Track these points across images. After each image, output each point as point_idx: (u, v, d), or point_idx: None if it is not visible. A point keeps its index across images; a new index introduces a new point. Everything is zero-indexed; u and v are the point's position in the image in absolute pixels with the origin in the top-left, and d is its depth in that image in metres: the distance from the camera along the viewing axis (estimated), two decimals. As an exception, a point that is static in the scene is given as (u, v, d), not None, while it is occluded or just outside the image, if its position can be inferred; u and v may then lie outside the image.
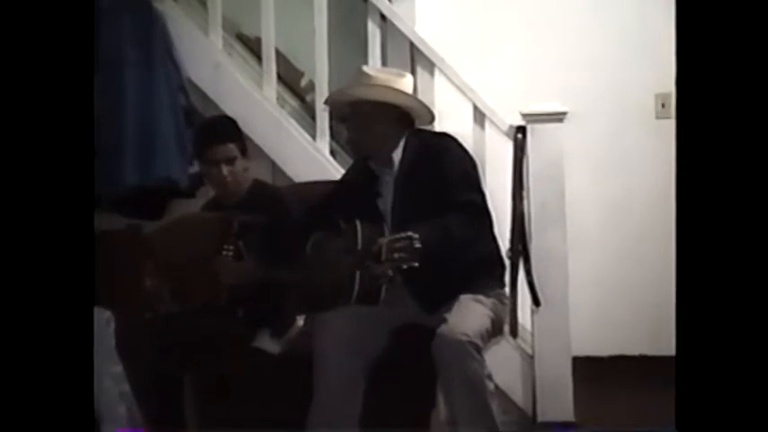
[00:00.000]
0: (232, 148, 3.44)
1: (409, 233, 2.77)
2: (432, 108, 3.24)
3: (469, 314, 2.91)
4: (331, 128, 4.06)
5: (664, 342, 4.62)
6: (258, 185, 3.54)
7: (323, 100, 3.96)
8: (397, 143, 3.08)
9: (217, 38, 4.13)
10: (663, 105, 4.74)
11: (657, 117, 4.74)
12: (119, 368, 2.81)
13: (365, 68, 3.14)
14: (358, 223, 3.04)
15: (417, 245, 2.75)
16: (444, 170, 2.97)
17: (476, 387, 2.81)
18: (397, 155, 3.08)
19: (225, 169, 3.41)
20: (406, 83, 3.12)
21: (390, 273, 2.89)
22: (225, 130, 3.50)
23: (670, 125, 4.85)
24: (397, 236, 2.80)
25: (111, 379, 2.77)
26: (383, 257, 2.79)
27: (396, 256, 2.77)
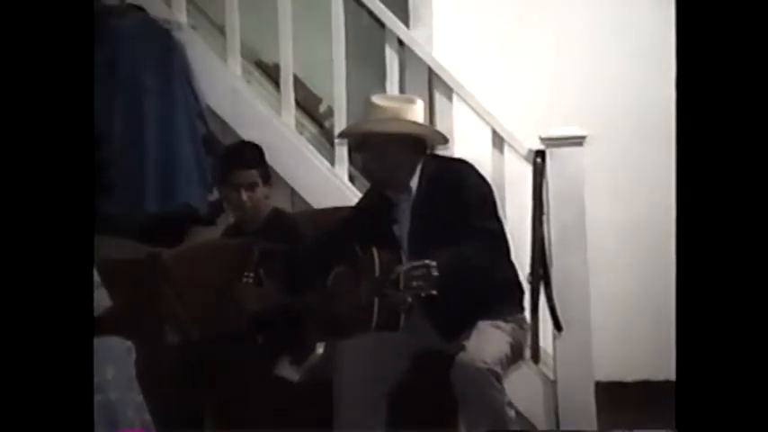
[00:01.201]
0: (254, 174, 3.47)
1: (427, 261, 2.77)
2: (444, 133, 3.24)
3: (488, 341, 2.89)
4: (349, 154, 4.06)
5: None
6: (277, 213, 3.55)
7: (341, 126, 3.99)
8: (414, 170, 3.08)
9: (235, 65, 4.14)
10: (683, 126, 4.70)
11: (678, 138, 4.70)
12: (140, 398, 2.81)
13: (374, 99, 3.12)
14: (375, 250, 3.04)
15: (435, 273, 2.75)
16: (461, 197, 2.97)
17: (496, 415, 2.79)
18: (413, 182, 3.07)
19: (245, 194, 3.43)
20: (416, 109, 3.12)
21: (409, 300, 2.88)
22: (249, 156, 3.53)
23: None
24: (415, 264, 2.80)
25: (132, 408, 2.77)
26: (401, 285, 2.80)
27: (414, 284, 2.77)
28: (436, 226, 2.97)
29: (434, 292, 2.78)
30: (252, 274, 3.19)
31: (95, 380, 2.63)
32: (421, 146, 3.11)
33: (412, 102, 3.14)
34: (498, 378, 2.79)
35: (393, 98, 3.37)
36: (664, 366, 4.59)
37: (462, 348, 2.82)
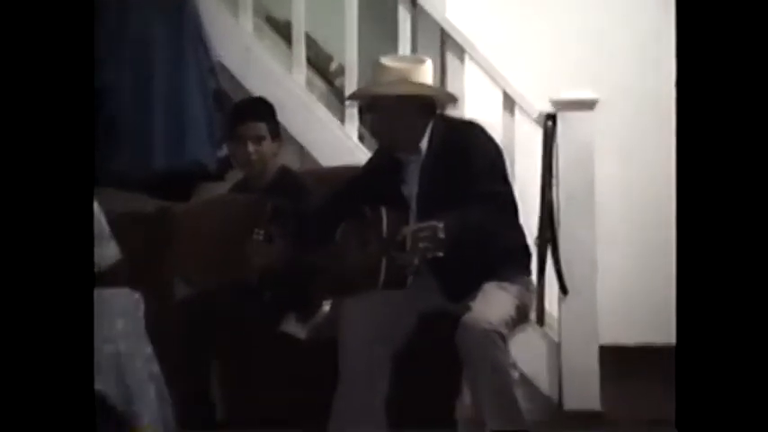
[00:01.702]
0: (262, 127, 3.47)
1: (434, 223, 2.77)
2: (454, 93, 3.23)
3: (494, 302, 2.90)
4: (360, 113, 4.05)
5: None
6: (284, 171, 3.56)
7: (353, 85, 3.98)
8: (424, 131, 3.07)
9: (247, 21, 4.13)
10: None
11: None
12: (149, 349, 2.83)
13: (383, 60, 3.09)
14: (383, 210, 3.04)
15: (441, 235, 2.75)
16: (470, 160, 2.96)
17: (500, 375, 2.80)
18: (423, 143, 3.07)
19: (251, 147, 3.44)
20: (425, 69, 3.09)
21: (416, 261, 2.89)
22: (257, 109, 3.54)
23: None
24: (422, 225, 2.80)
25: (141, 359, 2.79)
26: (408, 247, 2.80)
27: (420, 245, 2.78)
28: (445, 187, 2.97)
29: (441, 254, 2.79)
30: (263, 231, 3.20)
31: (105, 331, 2.67)
32: (431, 107, 3.10)
33: (421, 62, 3.12)
34: (503, 339, 2.81)
35: (402, 59, 3.35)
36: (665, 330, 4.64)
37: (468, 309, 2.83)
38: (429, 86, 3.12)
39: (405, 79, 3.04)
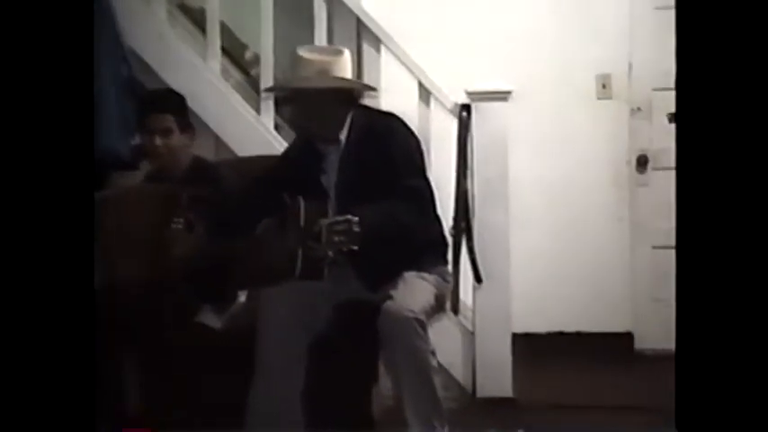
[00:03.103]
0: (169, 119, 3.42)
1: (348, 216, 2.78)
2: (372, 84, 3.23)
3: (414, 291, 2.92)
4: (276, 103, 4.03)
5: (599, 319, 4.76)
6: (198, 161, 3.52)
7: (268, 74, 3.95)
8: (343, 122, 3.07)
9: (159, 8, 4.06)
10: (603, 86, 4.80)
11: (599, 98, 4.80)
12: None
13: (301, 52, 3.06)
14: (301, 200, 3.03)
15: (356, 228, 2.77)
16: (389, 152, 2.97)
17: (420, 363, 2.83)
18: (343, 134, 3.07)
19: (159, 140, 3.40)
20: (343, 61, 3.08)
21: (330, 254, 2.90)
22: (164, 101, 3.49)
23: (610, 105, 4.99)
24: (338, 218, 2.82)
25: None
26: (323, 239, 2.80)
27: (335, 239, 2.79)
28: (364, 179, 2.97)
29: (355, 248, 2.80)
30: (182, 220, 3.16)
31: None
32: (350, 98, 3.09)
33: (339, 53, 3.11)
34: (423, 327, 2.83)
35: (320, 50, 3.33)
36: (576, 318, 4.76)
37: (389, 297, 2.85)
38: (348, 79, 3.11)
39: (323, 71, 3.02)
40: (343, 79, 3.06)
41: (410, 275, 2.97)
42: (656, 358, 4.63)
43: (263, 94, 3.93)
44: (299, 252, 3.01)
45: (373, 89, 3.27)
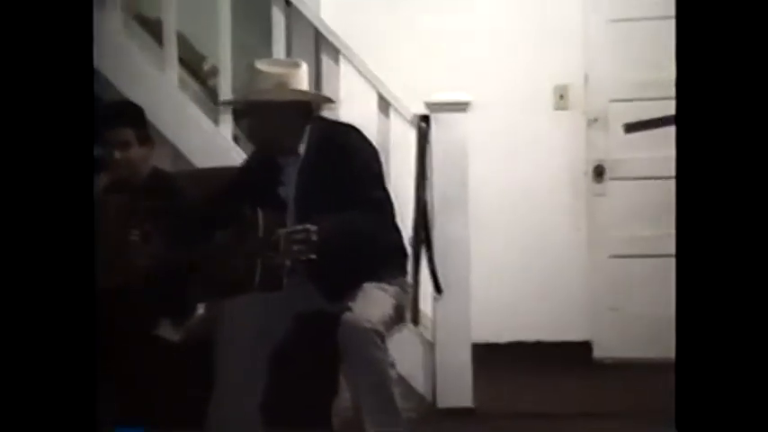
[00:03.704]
0: (127, 132, 3.40)
1: (307, 226, 2.79)
2: (330, 96, 3.24)
3: (373, 302, 2.92)
4: (234, 115, 4.02)
5: (558, 329, 4.79)
6: (156, 172, 3.49)
7: (227, 85, 3.94)
8: (301, 135, 3.07)
9: (115, 18, 4.02)
10: (561, 97, 4.84)
11: (556, 108, 4.84)
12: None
13: (258, 65, 3.06)
14: (259, 211, 3.03)
15: (314, 237, 2.78)
16: (348, 164, 2.98)
17: (379, 375, 2.82)
18: (301, 146, 3.07)
19: (117, 153, 3.37)
20: (301, 73, 3.08)
21: (288, 263, 2.89)
22: (122, 114, 3.46)
23: (567, 116, 5.03)
24: (295, 228, 2.82)
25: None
26: (281, 248, 2.81)
27: (294, 248, 2.79)
28: (323, 190, 2.97)
29: (313, 257, 2.80)
30: (138, 231, 3.14)
31: None
32: (307, 110, 3.09)
33: (297, 66, 3.11)
34: (382, 338, 2.83)
35: (277, 63, 3.32)
36: (535, 328, 4.79)
37: (348, 309, 2.85)
38: (305, 92, 3.11)
39: (281, 84, 3.02)
40: (300, 91, 3.06)
41: (369, 286, 2.97)
42: (614, 366, 4.68)
43: (223, 100, 3.92)
44: (258, 263, 3.01)
45: (331, 101, 3.29)
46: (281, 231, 2.85)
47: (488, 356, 4.23)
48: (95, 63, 3.85)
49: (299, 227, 2.81)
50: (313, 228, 2.78)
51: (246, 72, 3.12)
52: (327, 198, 2.93)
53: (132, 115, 3.47)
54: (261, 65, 3.06)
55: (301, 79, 3.08)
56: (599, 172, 4.79)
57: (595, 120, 4.78)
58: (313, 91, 3.31)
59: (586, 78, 4.79)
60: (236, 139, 4.08)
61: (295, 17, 4.12)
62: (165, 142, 3.89)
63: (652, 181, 4.52)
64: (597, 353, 4.78)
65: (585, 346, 4.78)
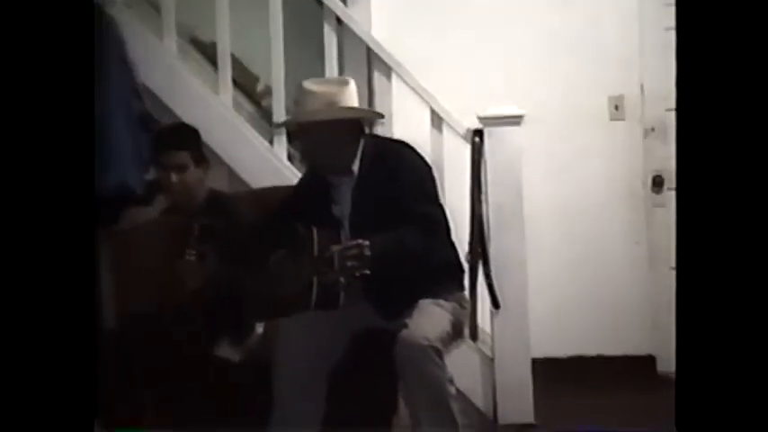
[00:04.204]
0: (184, 155, 3.43)
1: (360, 241, 2.79)
2: (380, 112, 3.25)
3: (430, 319, 2.91)
4: (288, 135, 4.04)
5: (620, 342, 4.72)
6: (214, 194, 3.53)
7: (280, 105, 3.97)
8: (354, 153, 3.07)
9: (171, 42, 4.08)
10: (616, 107, 4.79)
11: (611, 119, 4.79)
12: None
13: (306, 85, 3.08)
14: (314, 230, 3.04)
15: (367, 252, 2.77)
16: (401, 181, 2.98)
17: (437, 391, 2.81)
18: (355, 165, 3.07)
19: (174, 176, 3.41)
20: (350, 91, 3.09)
21: (342, 280, 2.89)
22: (178, 138, 3.50)
23: (623, 127, 4.97)
24: (349, 244, 2.83)
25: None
26: (335, 266, 2.81)
27: (348, 264, 2.79)
28: (377, 208, 2.98)
29: (368, 272, 2.80)
30: (194, 252, 3.17)
31: None
32: (358, 128, 3.10)
33: (345, 84, 3.11)
34: (440, 355, 2.82)
35: (325, 82, 3.31)
36: (596, 342, 4.72)
37: (404, 326, 2.84)
38: (354, 109, 3.12)
39: (330, 103, 3.03)
40: (349, 108, 3.07)
41: (425, 303, 2.96)
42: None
43: (278, 116, 3.94)
44: (315, 281, 3.01)
45: (381, 116, 3.28)
46: (335, 248, 2.85)
47: (549, 371, 4.18)
48: (152, 86, 3.99)
49: (352, 242, 2.82)
50: (365, 243, 2.78)
51: (296, 92, 3.14)
52: (381, 215, 2.93)
53: (188, 137, 3.51)
54: (309, 85, 3.07)
55: (350, 97, 3.08)
56: (658, 182, 4.71)
57: (652, 129, 4.71)
58: (363, 108, 3.31)
59: (642, 88, 4.73)
60: (290, 158, 4.10)
61: (347, 35, 4.14)
62: (221, 163, 3.93)
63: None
64: (661, 367, 4.69)
65: (649, 360, 4.70)
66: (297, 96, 3.11)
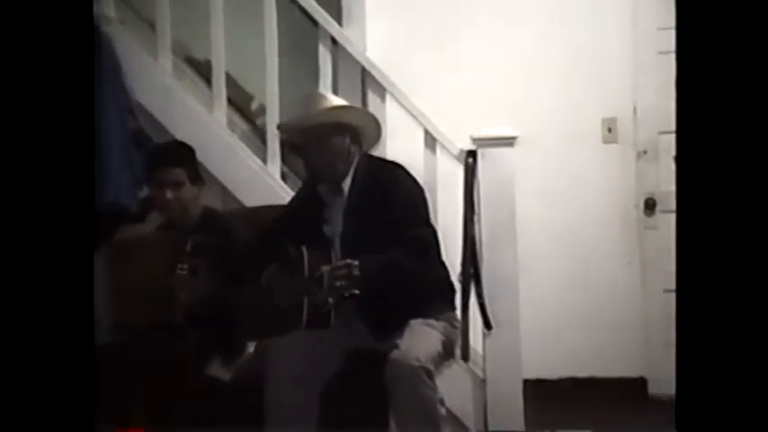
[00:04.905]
0: (179, 173, 3.44)
1: (348, 261, 2.80)
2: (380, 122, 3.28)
3: (421, 339, 2.91)
4: (282, 152, 4.05)
5: (611, 364, 4.71)
6: (208, 212, 3.53)
7: (274, 124, 3.97)
8: (349, 168, 3.09)
9: (166, 61, 4.09)
10: (609, 130, 4.80)
11: (604, 142, 4.80)
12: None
13: (309, 93, 3.13)
14: (305, 249, 3.04)
15: (356, 272, 2.78)
16: (393, 202, 2.99)
17: (428, 412, 2.81)
18: (346, 183, 3.08)
19: (170, 193, 3.41)
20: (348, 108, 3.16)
21: (331, 300, 2.90)
22: (173, 155, 3.51)
23: (616, 149, 4.98)
24: (338, 264, 2.83)
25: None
26: (324, 285, 2.81)
27: (337, 283, 2.79)
28: (368, 228, 2.98)
29: (356, 292, 2.80)
30: (186, 266, 3.17)
31: None
32: (357, 134, 3.12)
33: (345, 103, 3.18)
34: (431, 376, 2.81)
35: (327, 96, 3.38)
36: (587, 364, 4.72)
37: (395, 346, 2.84)
38: (354, 107, 3.16)
39: (330, 106, 3.09)
40: (348, 106, 3.11)
41: (416, 323, 2.96)
42: (671, 403, 4.57)
43: (274, 131, 3.95)
44: (305, 301, 3.01)
45: (378, 123, 3.28)
46: (324, 268, 2.85)
47: (540, 392, 4.18)
48: (146, 104, 3.99)
49: (341, 262, 2.82)
50: (354, 263, 2.79)
51: (303, 101, 3.16)
52: (372, 236, 2.93)
53: (184, 155, 3.52)
54: (312, 93, 3.11)
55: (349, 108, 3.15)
56: (650, 205, 4.73)
57: (645, 152, 4.73)
58: (362, 107, 3.34)
59: (635, 110, 4.75)
60: (284, 177, 4.11)
61: (342, 55, 4.15)
62: (215, 182, 3.93)
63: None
64: (653, 389, 4.69)
65: (640, 383, 4.70)
66: (303, 104, 3.15)
